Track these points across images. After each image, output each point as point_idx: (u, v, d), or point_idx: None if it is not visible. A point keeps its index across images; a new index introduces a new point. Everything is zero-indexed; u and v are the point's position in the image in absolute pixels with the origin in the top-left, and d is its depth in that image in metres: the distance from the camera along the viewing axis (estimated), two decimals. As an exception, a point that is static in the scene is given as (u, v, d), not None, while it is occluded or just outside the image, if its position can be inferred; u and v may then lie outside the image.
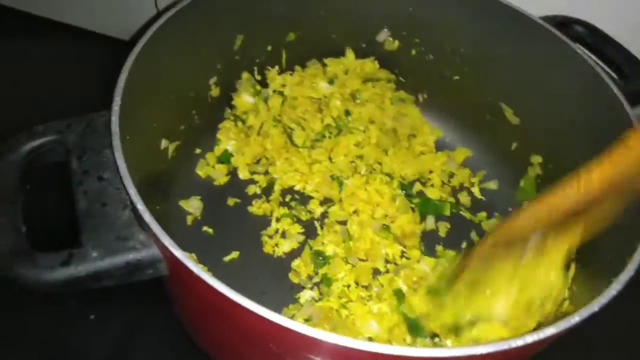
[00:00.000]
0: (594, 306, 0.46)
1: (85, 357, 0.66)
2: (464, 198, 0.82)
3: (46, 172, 0.58)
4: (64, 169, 0.54)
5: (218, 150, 0.81)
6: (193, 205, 0.77)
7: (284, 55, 0.84)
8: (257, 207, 0.77)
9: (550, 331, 0.45)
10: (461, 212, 0.80)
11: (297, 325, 0.42)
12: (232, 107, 0.83)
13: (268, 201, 0.78)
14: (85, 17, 1.06)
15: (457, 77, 0.84)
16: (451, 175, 0.84)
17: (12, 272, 0.46)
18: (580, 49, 0.69)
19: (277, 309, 0.66)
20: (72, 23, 1.07)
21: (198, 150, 0.81)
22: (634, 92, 0.67)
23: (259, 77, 0.84)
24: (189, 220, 0.76)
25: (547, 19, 0.73)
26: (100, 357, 0.66)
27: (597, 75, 0.66)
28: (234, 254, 0.72)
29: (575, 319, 0.46)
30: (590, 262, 0.61)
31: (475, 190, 0.83)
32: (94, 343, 0.67)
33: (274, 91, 0.84)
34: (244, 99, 0.81)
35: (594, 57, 0.71)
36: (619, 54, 0.71)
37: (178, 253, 0.45)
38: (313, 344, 0.44)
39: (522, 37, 0.73)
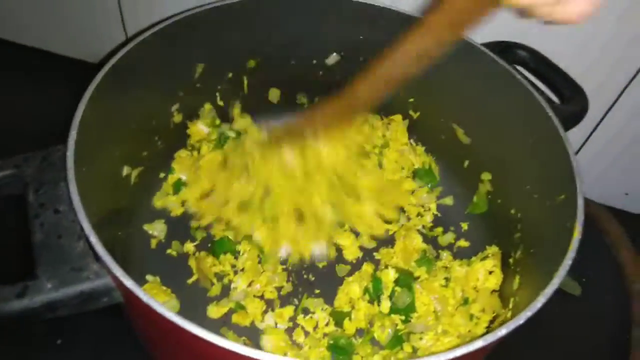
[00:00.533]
0: (538, 303, 0.50)
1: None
2: (425, 216, 0.85)
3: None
4: (18, 202, 0.56)
5: (172, 179, 0.82)
6: (157, 229, 0.79)
7: (245, 82, 0.87)
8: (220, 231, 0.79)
9: (501, 332, 0.48)
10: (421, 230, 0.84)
11: (247, 351, 0.44)
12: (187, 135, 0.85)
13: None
14: (53, 40, 1.07)
15: (411, 100, 0.88)
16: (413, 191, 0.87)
17: (-32, 305, 0.47)
18: (520, 72, 0.73)
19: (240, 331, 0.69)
20: (39, 46, 1.09)
21: (162, 175, 0.83)
22: (572, 113, 0.72)
23: (221, 104, 0.87)
24: (154, 243, 0.78)
25: (490, 45, 0.78)
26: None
27: (533, 97, 0.70)
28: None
29: (527, 313, 0.49)
30: (531, 262, 0.66)
31: (433, 207, 0.86)
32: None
33: (232, 129, 0.86)
34: (199, 127, 0.83)
35: (537, 80, 0.75)
36: (558, 77, 0.76)
37: (128, 282, 0.47)
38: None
39: (467, 63, 0.77)
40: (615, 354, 0.77)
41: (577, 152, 0.88)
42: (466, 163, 0.85)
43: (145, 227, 0.78)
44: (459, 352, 0.45)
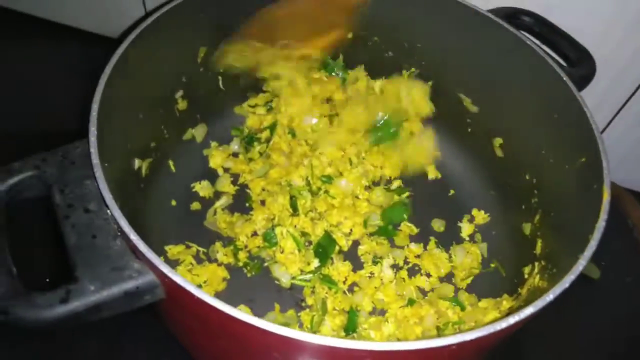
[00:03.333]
0: (565, 282, 0.51)
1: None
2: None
3: (23, 208, 0.57)
4: (40, 204, 0.54)
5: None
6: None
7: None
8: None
9: (529, 310, 0.49)
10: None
11: (299, 335, 0.44)
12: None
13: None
14: (71, 14, 1.03)
15: (414, 70, 0.87)
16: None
17: (11, 315, 0.46)
18: (528, 38, 0.73)
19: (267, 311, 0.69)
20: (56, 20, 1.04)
21: (171, 162, 0.81)
22: (580, 77, 0.73)
23: (223, 88, 0.85)
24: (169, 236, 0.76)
25: (495, 11, 0.77)
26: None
27: (544, 61, 0.71)
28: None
29: (549, 296, 0.50)
30: (554, 243, 0.67)
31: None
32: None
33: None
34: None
35: (543, 45, 0.75)
36: (564, 42, 0.76)
37: (177, 278, 0.46)
38: (313, 349, 0.47)
39: (473, 31, 0.77)
40: (633, 339, 0.76)
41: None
42: (475, 131, 0.86)
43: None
44: (482, 332, 0.46)
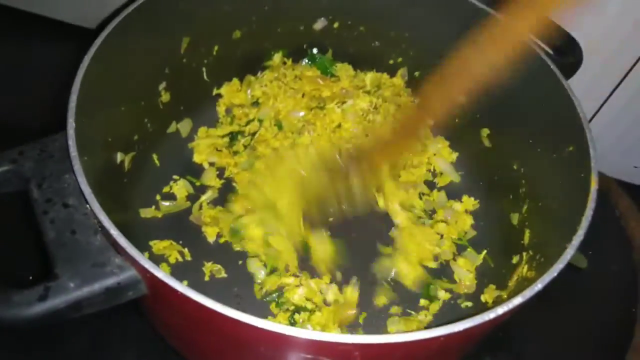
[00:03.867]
0: (554, 272, 0.51)
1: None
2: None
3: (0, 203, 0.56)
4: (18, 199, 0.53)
5: None
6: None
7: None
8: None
9: (518, 300, 0.48)
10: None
11: (285, 329, 0.43)
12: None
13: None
14: (48, 5, 0.99)
15: (399, 60, 0.87)
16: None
17: (-13, 314, 0.44)
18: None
19: (252, 306, 0.68)
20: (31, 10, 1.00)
21: (155, 156, 0.79)
22: (567, 65, 0.73)
23: (208, 80, 0.83)
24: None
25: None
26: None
27: (532, 51, 0.70)
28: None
29: (538, 286, 0.50)
30: (542, 232, 0.67)
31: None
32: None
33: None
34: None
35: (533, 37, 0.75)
36: (554, 32, 0.75)
37: (159, 273, 0.45)
38: (300, 344, 0.46)
39: (459, 19, 0.76)
40: (620, 328, 0.76)
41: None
42: (462, 122, 0.85)
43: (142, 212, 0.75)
44: (471, 323, 0.45)
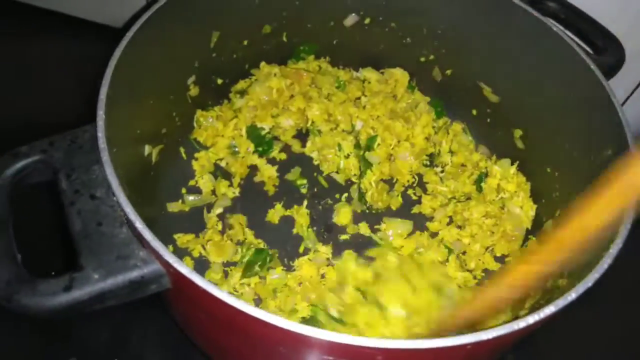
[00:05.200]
0: (589, 282, 0.48)
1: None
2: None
3: (29, 193, 0.56)
4: (46, 189, 0.53)
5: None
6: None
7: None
8: None
9: (550, 310, 0.46)
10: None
11: (306, 329, 0.43)
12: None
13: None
14: (74, 4, 1.01)
15: (431, 57, 0.85)
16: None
17: (13, 302, 0.45)
18: (554, 25, 0.70)
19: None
20: (57, 9, 1.02)
21: (182, 150, 0.80)
22: (608, 65, 0.69)
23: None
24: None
25: (517, -4, 0.74)
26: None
27: (571, 49, 0.67)
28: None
29: (571, 295, 0.47)
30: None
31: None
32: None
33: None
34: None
35: (568, 32, 0.72)
36: (592, 28, 0.72)
37: (183, 269, 0.44)
38: (321, 345, 0.45)
39: (497, 16, 0.74)
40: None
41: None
42: (494, 122, 0.83)
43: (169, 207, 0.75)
44: (500, 331, 0.43)
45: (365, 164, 0.79)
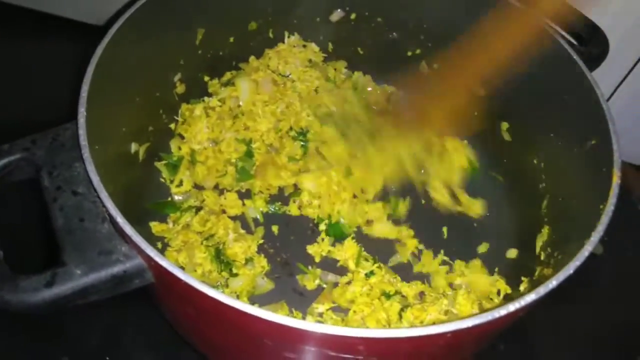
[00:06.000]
0: (570, 269, 0.49)
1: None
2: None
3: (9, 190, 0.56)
4: (27, 187, 0.53)
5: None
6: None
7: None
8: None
9: (530, 297, 0.47)
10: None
11: (290, 321, 0.43)
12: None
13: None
14: (53, 2, 1.00)
15: (418, 51, 0.85)
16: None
17: (-5, 299, 0.45)
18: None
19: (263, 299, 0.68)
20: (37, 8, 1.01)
21: (172, 148, 0.79)
22: (593, 56, 0.70)
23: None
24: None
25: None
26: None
27: (554, 40, 0.67)
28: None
29: (552, 283, 0.48)
30: (561, 228, 0.64)
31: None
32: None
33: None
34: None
35: (552, 24, 0.72)
36: (574, 18, 0.72)
37: (164, 262, 0.45)
38: (305, 336, 0.45)
39: (483, 9, 0.74)
40: (634, 315, 0.75)
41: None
42: (481, 115, 0.83)
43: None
44: (479, 319, 0.43)
45: None
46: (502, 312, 0.44)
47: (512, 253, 0.74)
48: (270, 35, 0.84)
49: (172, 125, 0.79)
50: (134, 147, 0.70)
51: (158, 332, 0.69)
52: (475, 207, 0.77)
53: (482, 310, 0.57)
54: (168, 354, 0.69)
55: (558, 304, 0.69)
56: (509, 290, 0.68)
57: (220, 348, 0.59)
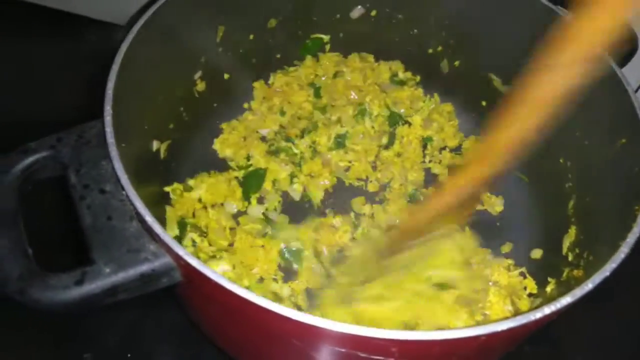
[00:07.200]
0: (606, 271, 0.48)
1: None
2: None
3: (38, 188, 0.56)
4: (55, 185, 0.53)
5: None
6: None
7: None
8: None
9: (566, 300, 0.46)
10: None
11: (320, 321, 0.42)
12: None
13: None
14: (78, 2, 1.00)
15: (440, 48, 0.84)
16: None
17: (25, 296, 0.45)
18: (564, 12, 0.69)
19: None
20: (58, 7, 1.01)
21: (191, 147, 0.79)
22: (622, 52, 0.69)
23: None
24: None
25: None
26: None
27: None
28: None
29: (588, 285, 0.47)
30: (589, 228, 0.63)
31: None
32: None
33: None
34: None
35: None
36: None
37: (193, 261, 0.44)
38: (335, 337, 0.45)
39: (505, 4, 0.73)
40: None
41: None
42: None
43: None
44: (514, 322, 0.43)
45: None
46: (538, 315, 0.44)
47: (536, 253, 0.73)
48: (290, 32, 0.83)
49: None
50: (155, 144, 0.70)
51: (180, 330, 0.69)
52: (495, 204, 0.77)
53: (516, 310, 0.56)
54: (190, 352, 0.69)
55: (583, 304, 0.69)
56: (535, 290, 0.67)
57: (246, 348, 0.59)
